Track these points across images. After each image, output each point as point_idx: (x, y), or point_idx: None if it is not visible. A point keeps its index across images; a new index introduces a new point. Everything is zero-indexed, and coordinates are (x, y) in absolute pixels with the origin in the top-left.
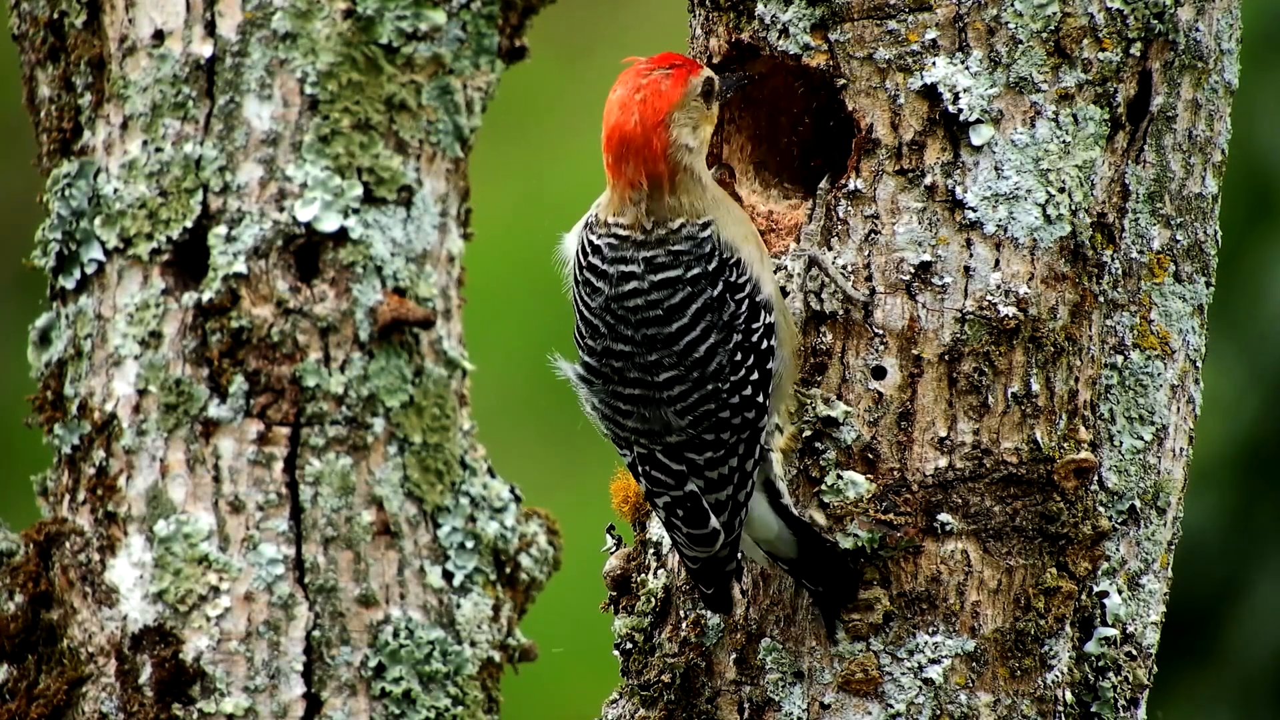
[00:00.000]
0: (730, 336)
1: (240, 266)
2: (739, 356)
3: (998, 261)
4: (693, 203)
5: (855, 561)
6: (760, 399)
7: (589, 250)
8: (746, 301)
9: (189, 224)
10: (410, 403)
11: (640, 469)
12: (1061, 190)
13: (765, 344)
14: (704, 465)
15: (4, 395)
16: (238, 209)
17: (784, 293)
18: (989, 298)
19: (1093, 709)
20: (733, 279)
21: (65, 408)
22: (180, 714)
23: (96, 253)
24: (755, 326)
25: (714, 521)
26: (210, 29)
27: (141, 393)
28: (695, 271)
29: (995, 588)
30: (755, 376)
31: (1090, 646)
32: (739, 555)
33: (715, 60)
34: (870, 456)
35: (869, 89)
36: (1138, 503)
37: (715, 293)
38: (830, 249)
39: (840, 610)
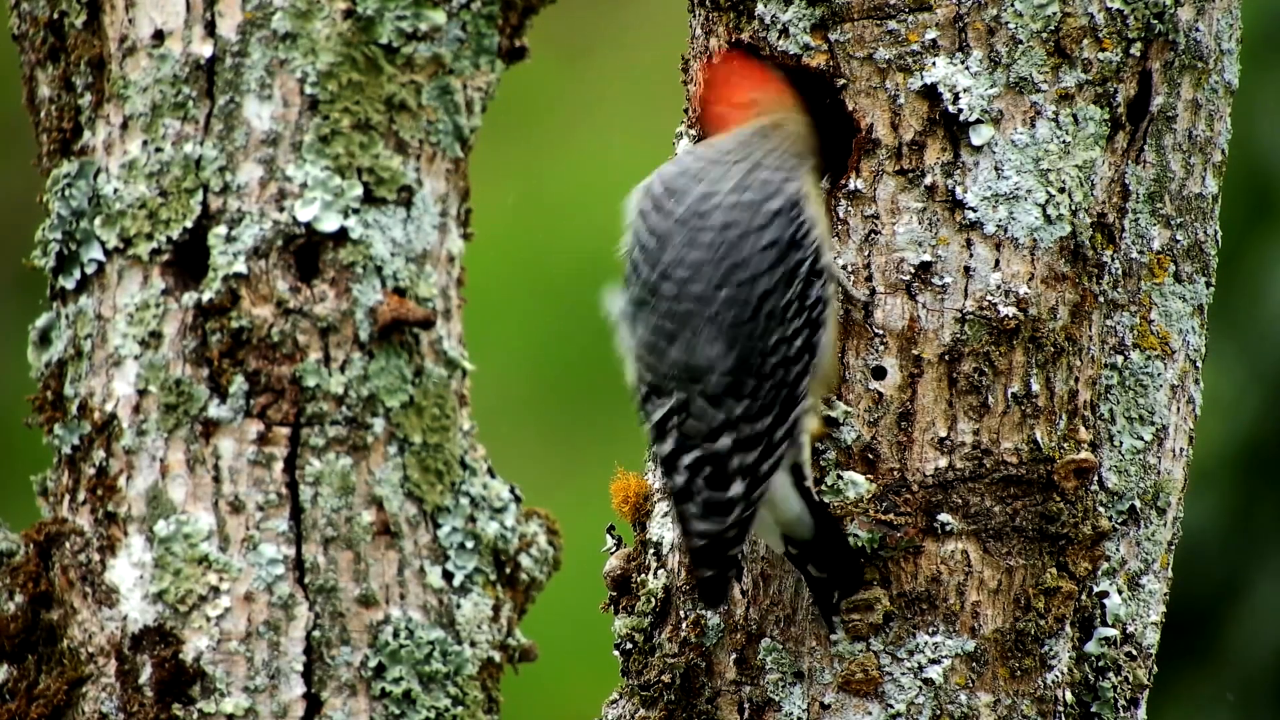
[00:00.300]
0: (790, 286)
1: (240, 266)
2: (790, 311)
3: (998, 261)
4: (799, 150)
5: (859, 562)
6: (804, 363)
7: (690, 155)
8: (809, 262)
9: (189, 224)
10: (410, 403)
11: (675, 420)
12: (1061, 190)
13: (817, 312)
14: (740, 417)
15: (4, 395)
16: (238, 209)
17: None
18: (989, 298)
19: (1093, 709)
20: (800, 236)
21: (65, 408)
22: (180, 714)
23: (96, 253)
24: (811, 291)
25: (735, 487)
26: (210, 29)
27: (141, 393)
28: (789, 190)
29: (995, 588)
30: (801, 339)
31: (1090, 646)
32: (743, 545)
33: (715, 60)
34: (870, 456)
35: (869, 89)
36: (1138, 503)
37: (789, 233)
38: (830, 249)
39: (841, 599)
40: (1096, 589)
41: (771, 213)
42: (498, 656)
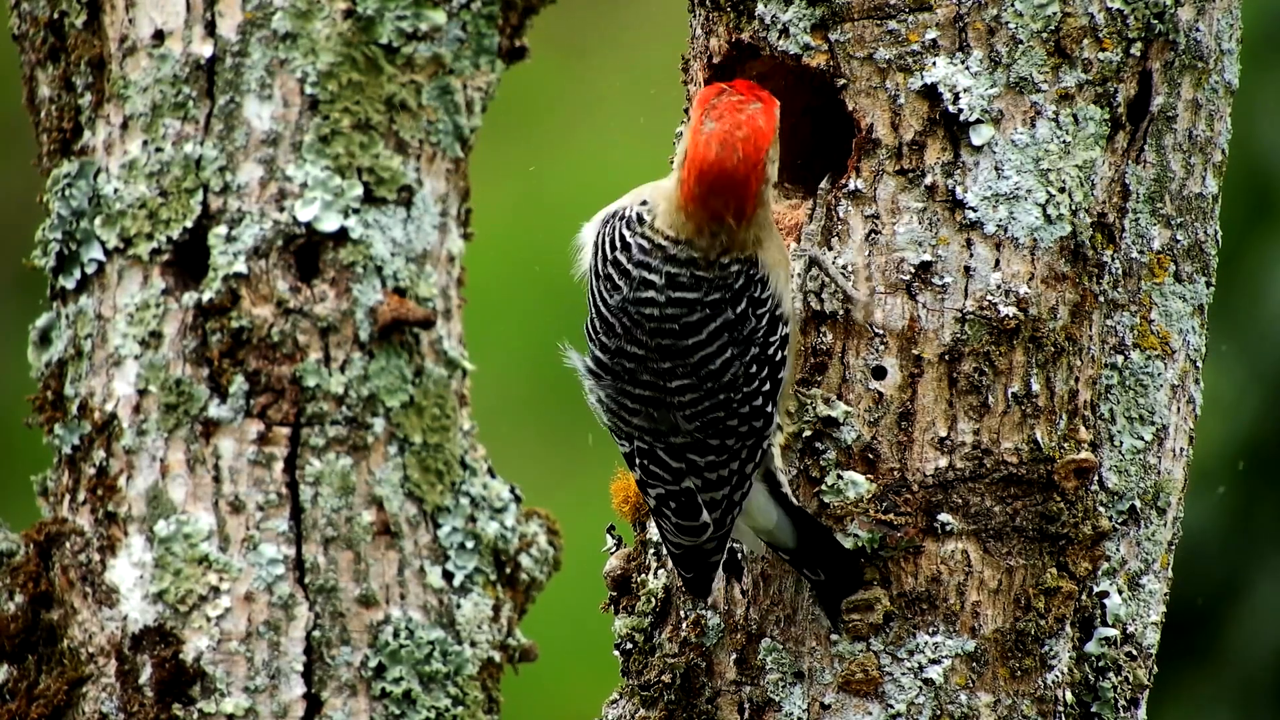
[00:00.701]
0: (748, 350)
1: (240, 266)
2: (754, 369)
3: (998, 261)
4: (757, 234)
5: (858, 564)
6: (769, 408)
7: (618, 245)
8: (767, 316)
9: (189, 224)
10: (410, 403)
11: (638, 461)
12: (1062, 190)
13: (779, 355)
14: (704, 467)
15: (4, 395)
16: (238, 209)
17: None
18: (989, 298)
19: (1093, 709)
20: (757, 294)
21: (65, 408)
22: (180, 714)
23: (96, 253)
24: (773, 339)
25: (705, 516)
26: (210, 29)
27: (141, 393)
28: (714, 297)
29: (995, 588)
30: (767, 387)
31: (1090, 646)
32: (724, 551)
33: (715, 60)
34: (870, 456)
35: (869, 89)
36: (1138, 503)
37: (737, 312)
38: (830, 249)
39: (842, 599)
40: (1096, 589)
41: (713, 301)
42: (498, 656)
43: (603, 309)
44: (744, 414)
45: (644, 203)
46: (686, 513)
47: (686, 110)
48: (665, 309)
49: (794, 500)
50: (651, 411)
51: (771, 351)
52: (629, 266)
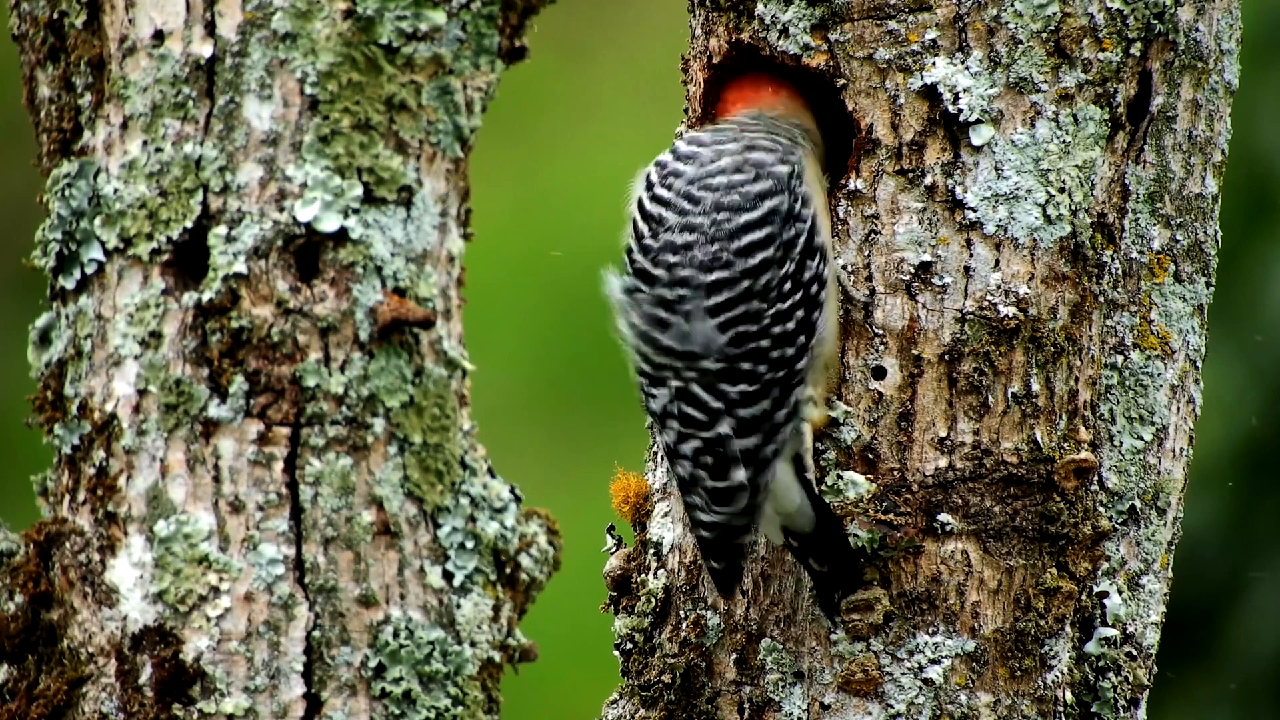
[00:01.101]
0: (785, 260)
1: (240, 266)
2: (787, 286)
3: (998, 261)
4: (810, 147)
5: (859, 558)
6: (801, 341)
7: (688, 141)
8: (805, 236)
9: (189, 224)
10: (410, 403)
11: (673, 409)
12: (1061, 190)
13: (815, 290)
14: (738, 400)
15: (4, 395)
16: (238, 209)
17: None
18: (989, 298)
19: (1093, 709)
20: (798, 208)
21: (65, 408)
22: (180, 714)
23: (96, 253)
24: (809, 265)
25: (739, 474)
26: (210, 29)
27: (141, 393)
28: (781, 169)
29: (995, 588)
30: (800, 314)
31: (1090, 646)
32: (752, 535)
33: (715, 60)
34: (870, 456)
35: (869, 89)
36: (1138, 503)
37: (786, 205)
38: (829, 231)
39: (840, 595)
40: (1096, 589)
41: (764, 191)
42: (498, 656)
43: (656, 205)
44: (775, 335)
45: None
46: (720, 469)
47: (686, 110)
48: (734, 174)
49: (816, 488)
50: (683, 325)
51: (807, 277)
52: (700, 149)
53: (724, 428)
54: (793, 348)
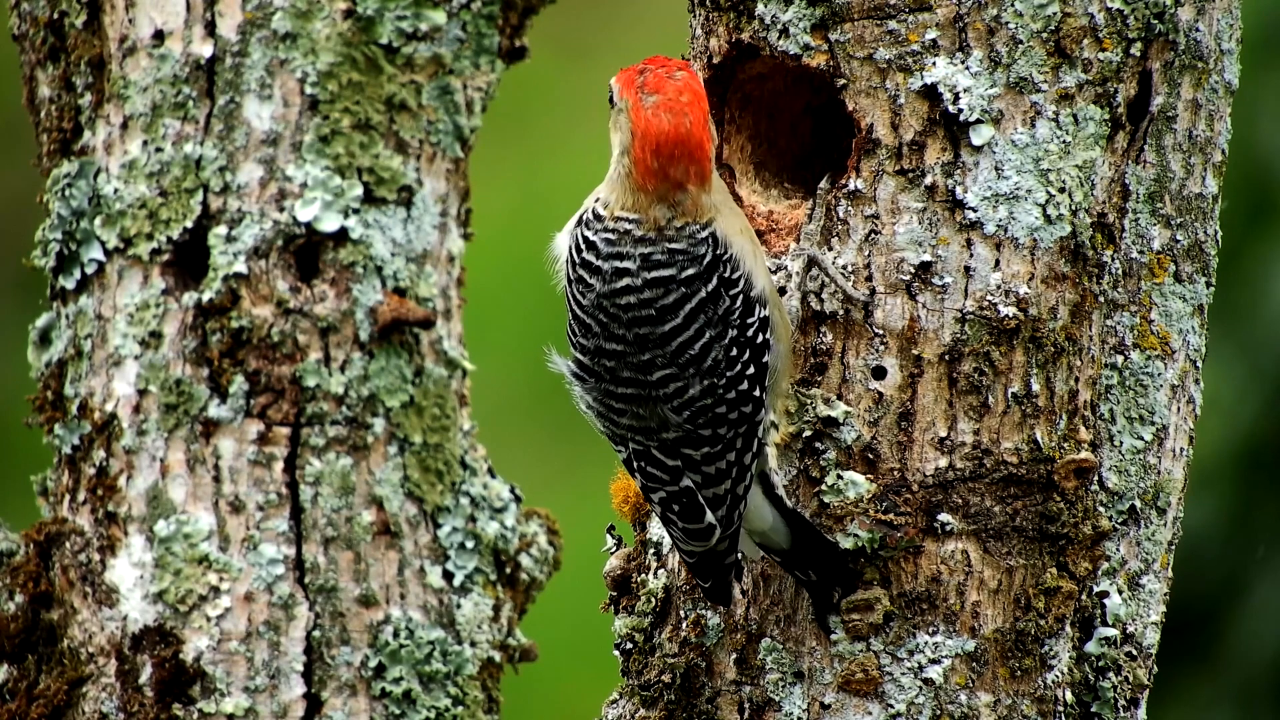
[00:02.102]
0: (725, 332)
1: (240, 266)
2: (734, 351)
3: (998, 261)
4: (712, 199)
5: (855, 561)
6: (757, 393)
7: (584, 246)
8: (741, 297)
9: (189, 224)
10: (410, 403)
11: (635, 464)
12: (1061, 190)
13: (760, 338)
14: (700, 460)
15: (4, 395)
16: (238, 209)
17: (781, 291)
18: (989, 298)
19: (1093, 709)
20: (727, 274)
21: (65, 408)
22: (180, 714)
23: (96, 253)
24: (750, 321)
25: (710, 516)
26: (210, 29)
27: (141, 393)
28: (690, 272)
29: (995, 588)
30: (751, 371)
31: (1090, 646)
32: (738, 550)
33: (715, 60)
34: (870, 456)
35: (869, 89)
36: (1138, 503)
37: (709, 290)
38: (830, 249)
39: (834, 598)
40: (1096, 589)
41: (679, 298)
42: (498, 656)
43: (578, 311)
44: (731, 400)
45: (596, 199)
46: (690, 515)
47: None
48: (641, 293)
49: (788, 502)
50: (637, 410)
51: (751, 334)
52: (599, 263)
53: (687, 481)
54: (749, 403)
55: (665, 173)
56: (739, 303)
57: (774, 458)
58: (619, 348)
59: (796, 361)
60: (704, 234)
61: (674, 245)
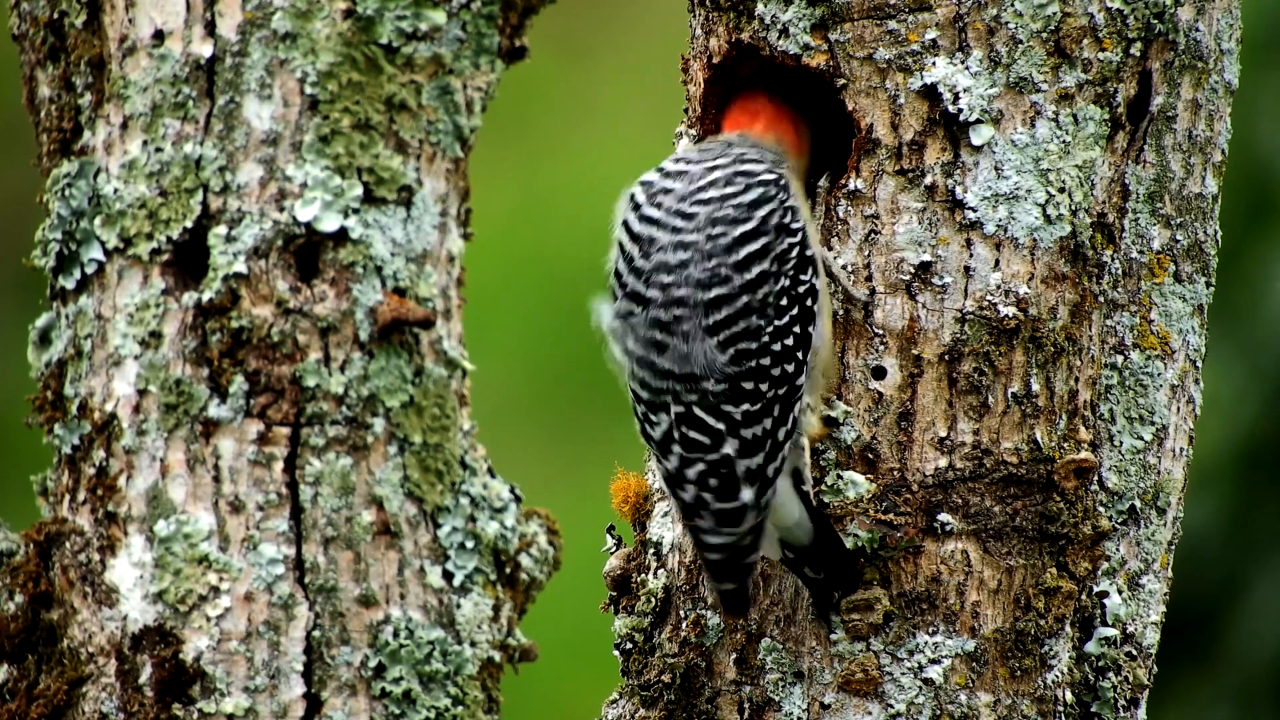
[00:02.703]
0: (780, 276)
1: (240, 266)
2: (784, 301)
3: (998, 261)
4: (795, 171)
5: (858, 562)
6: (800, 356)
7: (671, 162)
8: (798, 248)
9: (189, 224)
10: (410, 403)
11: (676, 434)
12: (1061, 190)
13: (810, 302)
14: (741, 420)
15: (4, 395)
16: (238, 209)
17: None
18: (989, 298)
19: (1093, 709)
20: (788, 221)
21: (65, 408)
22: (180, 714)
23: (96, 253)
24: (803, 278)
25: (745, 494)
26: (210, 29)
27: (141, 393)
28: (773, 176)
29: (995, 588)
30: (797, 329)
31: (1090, 646)
32: (759, 549)
33: (715, 60)
34: (870, 456)
35: (869, 89)
36: (1138, 503)
37: (777, 219)
38: (830, 249)
39: (836, 599)
40: (1096, 589)
41: (757, 199)
42: (498, 656)
43: (650, 216)
44: (776, 352)
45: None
46: (726, 490)
47: (686, 110)
48: (725, 187)
49: (815, 500)
50: (682, 346)
51: (802, 291)
52: (689, 167)
53: (728, 449)
54: (792, 363)
55: (774, 118)
56: (795, 252)
57: (807, 453)
58: (685, 255)
59: (836, 353)
60: (782, 167)
61: (767, 151)
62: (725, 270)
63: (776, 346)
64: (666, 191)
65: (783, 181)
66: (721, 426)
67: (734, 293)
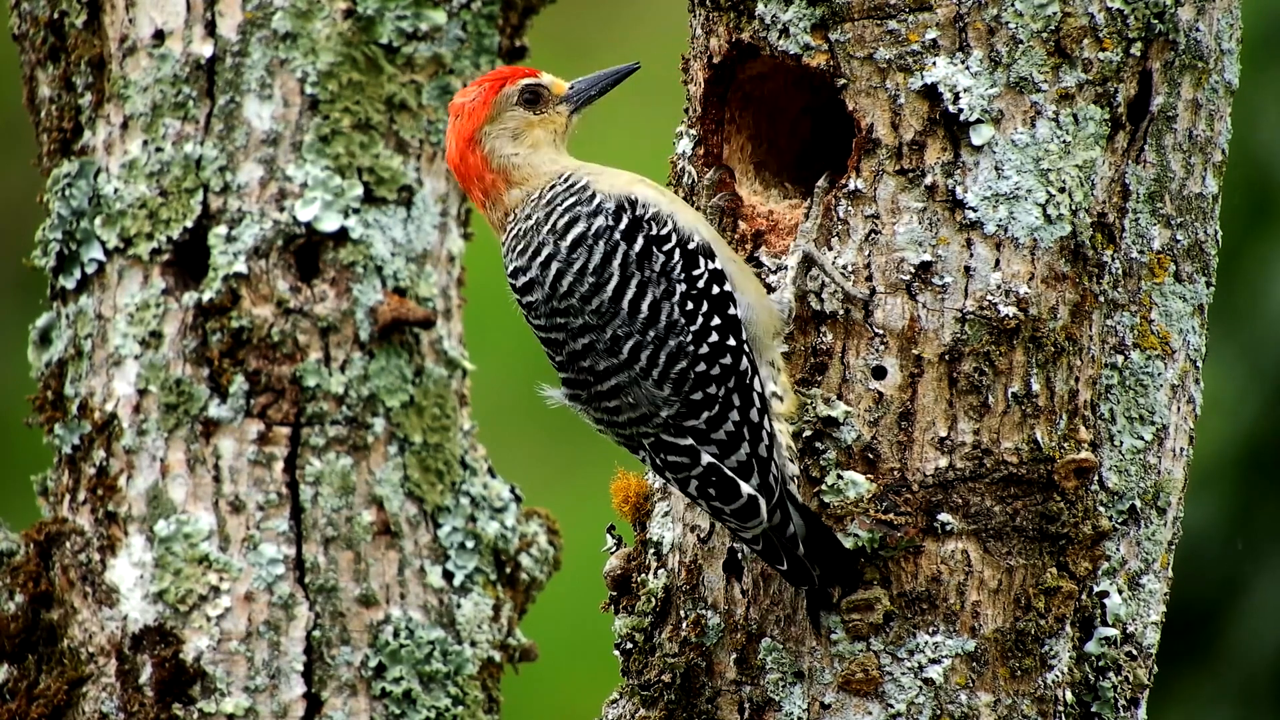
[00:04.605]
0: (674, 288)
1: (240, 266)
2: (690, 306)
3: (998, 261)
4: (536, 185)
5: (855, 561)
6: (732, 342)
7: (511, 273)
8: (678, 250)
9: (189, 224)
10: (410, 403)
11: (656, 463)
12: (1062, 190)
13: (716, 289)
14: (706, 427)
15: (4, 395)
16: (238, 209)
17: (770, 287)
18: (989, 298)
19: (1093, 709)
20: (654, 232)
21: (65, 408)
22: (180, 714)
23: (97, 253)
24: (698, 274)
25: (746, 488)
26: (210, 29)
27: (142, 393)
28: (598, 223)
29: (995, 588)
30: (717, 322)
31: (1090, 646)
32: (791, 522)
33: (715, 60)
34: (870, 456)
35: (869, 89)
36: (1138, 503)
37: (638, 248)
38: (830, 249)
39: (831, 597)
40: (1096, 589)
41: (603, 258)
42: (498, 656)
43: (540, 333)
44: (706, 354)
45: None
46: (726, 493)
47: (686, 110)
48: (571, 266)
49: (800, 499)
50: (627, 399)
51: (703, 286)
52: (530, 273)
53: (706, 457)
54: (727, 354)
55: (468, 191)
56: (677, 257)
57: (786, 446)
58: (586, 340)
59: (778, 321)
60: (576, 184)
61: (555, 204)
62: (624, 328)
63: (704, 349)
64: (533, 303)
65: (608, 205)
66: (691, 441)
67: (642, 338)
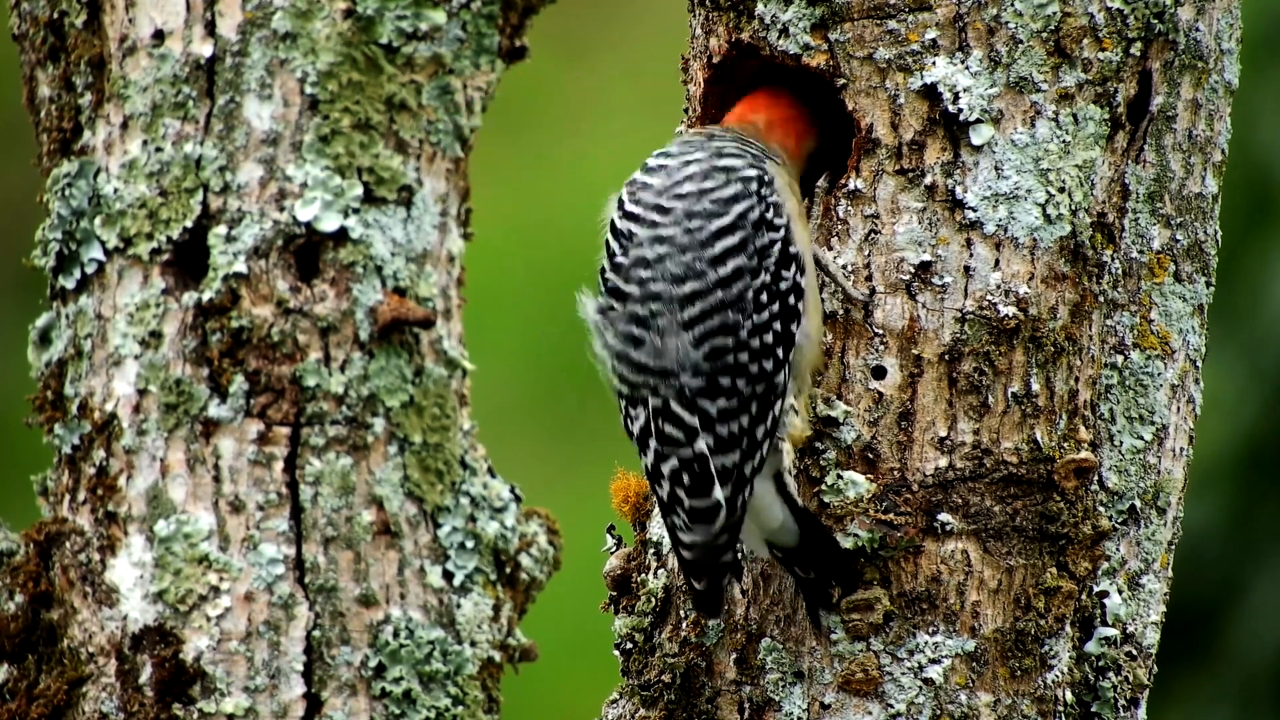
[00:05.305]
0: (760, 270)
1: (240, 266)
2: (764, 297)
3: (998, 261)
4: (782, 162)
5: (855, 561)
6: (779, 354)
7: (654, 155)
8: (780, 244)
9: (189, 224)
10: (410, 403)
11: (653, 428)
12: (1061, 190)
13: (792, 300)
14: (716, 417)
15: (4, 395)
16: (238, 209)
17: (820, 287)
18: (989, 298)
19: (1093, 709)
20: (770, 216)
21: (65, 408)
22: (180, 714)
23: (96, 252)
24: (785, 275)
25: (718, 492)
26: (210, 29)
27: (141, 392)
28: (751, 173)
29: (995, 588)
30: (777, 326)
31: (1090, 646)
32: (737, 550)
33: (715, 60)
34: (870, 456)
35: (869, 89)
36: (1138, 503)
37: (756, 214)
38: (830, 249)
39: (830, 597)
40: (1096, 589)
41: (735, 194)
42: (498, 656)
43: (630, 212)
44: (754, 349)
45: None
46: (699, 488)
47: (686, 110)
48: (703, 181)
49: (799, 501)
50: (657, 341)
51: (784, 288)
52: (668, 161)
53: (702, 445)
54: (771, 360)
55: (764, 108)
56: (776, 248)
57: (789, 457)
58: (662, 250)
59: (822, 356)
60: (765, 163)
61: (747, 146)
62: (700, 265)
63: (755, 343)
64: (645, 187)
65: (766, 177)
66: (695, 422)
67: (708, 288)
